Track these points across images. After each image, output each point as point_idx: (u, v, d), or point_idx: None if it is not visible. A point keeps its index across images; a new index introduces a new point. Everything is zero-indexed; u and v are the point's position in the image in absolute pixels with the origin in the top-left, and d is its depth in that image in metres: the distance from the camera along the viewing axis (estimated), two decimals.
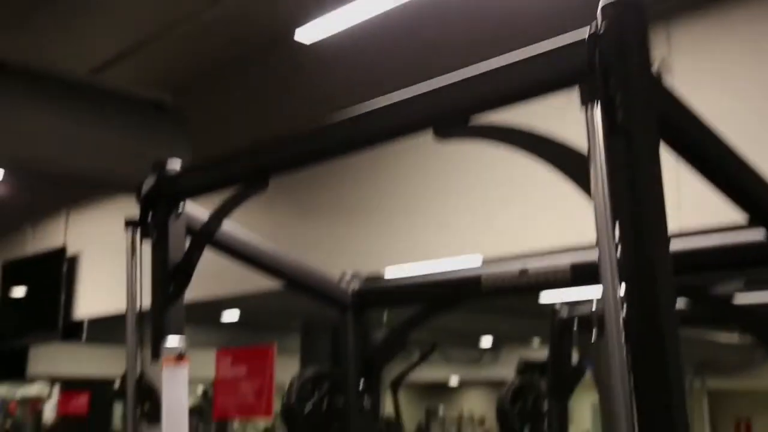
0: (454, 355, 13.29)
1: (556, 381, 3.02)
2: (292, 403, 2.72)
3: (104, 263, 5.43)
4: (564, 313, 3.06)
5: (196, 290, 2.47)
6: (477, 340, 12.52)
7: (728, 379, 11.82)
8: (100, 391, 12.26)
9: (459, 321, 10.13)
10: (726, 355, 10.10)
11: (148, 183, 2.33)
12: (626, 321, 1.33)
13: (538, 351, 11.31)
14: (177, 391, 2.22)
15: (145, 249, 2.37)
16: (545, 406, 3.21)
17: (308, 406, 2.71)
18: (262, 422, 17.07)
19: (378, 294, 2.60)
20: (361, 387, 2.59)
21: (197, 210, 2.34)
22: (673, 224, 1.47)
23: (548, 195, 3.00)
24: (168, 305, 2.28)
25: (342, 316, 2.65)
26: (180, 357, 2.24)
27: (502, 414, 3.38)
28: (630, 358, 1.32)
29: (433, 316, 2.49)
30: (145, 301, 2.39)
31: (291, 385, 2.77)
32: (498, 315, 9.90)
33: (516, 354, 11.24)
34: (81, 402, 12.46)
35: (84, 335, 5.78)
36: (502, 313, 9.81)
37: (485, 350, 13.41)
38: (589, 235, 1.47)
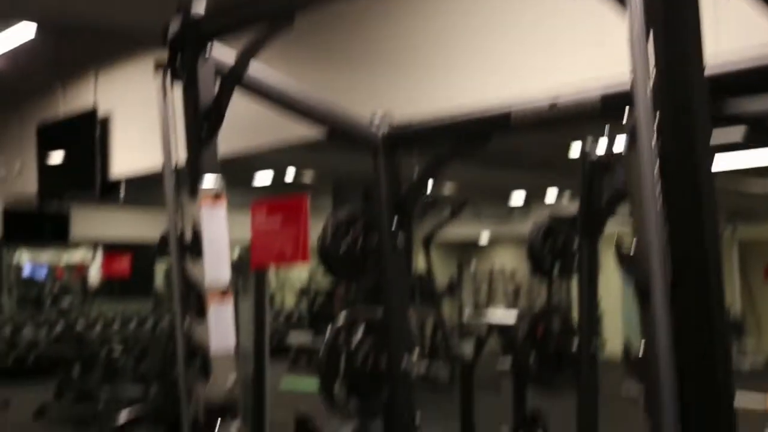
0: (484, 212, 13.44)
1: (586, 218, 3.05)
2: (328, 243, 2.79)
3: (136, 122, 5.48)
4: (594, 154, 3.06)
5: (228, 144, 2.49)
6: (507, 197, 12.59)
7: (759, 227, 11.86)
8: (140, 252, 12.67)
9: (490, 178, 10.16)
10: (757, 204, 10.08)
11: (174, 26, 2.32)
12: (659, 130, 1.33)
13: (569, 206, 11.38)
14: (216, 228, 2.30)
15: (177, 101, 2.38)
16: (575, 244, 3.26)
17: (343, 246, 2.79)
18: (297, 281, 17.61)
19: (408, 134, 2.60)
20: (393, 226, 2.64)
21: (225, 52, 2.34)
22: (710, 42, 1.44)
23: (578, 26, 2.93)
24: (202, 147, 2.32)
25: (373, 157, 2.68)
26: (217, 196, 2.30)
27: (533, 252, 3.46)
28: (661, 168, 1.33)
29: (464, 154, 2.50)
30: (179, 153, 2.43)
31: (325, 226, 2.85)
32: (529, 171, 9.90)
33: (546, 211, 11.32)
34: (123, 264, 12.91)
35: (122, 195, 5.90)
36: (532, 169, 9.80)
37: (516, 207, 13.53)
38: (621, 65, 1.45)
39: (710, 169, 1.40)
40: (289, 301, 16.98)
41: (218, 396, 2.37)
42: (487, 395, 8.60)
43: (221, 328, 2.33)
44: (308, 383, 10.20)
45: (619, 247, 1.33)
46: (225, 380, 2.36)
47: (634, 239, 1.35)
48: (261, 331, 7.68)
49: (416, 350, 2.78)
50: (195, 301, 2.36)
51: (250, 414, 7.32)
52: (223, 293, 2.34)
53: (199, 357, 2.38)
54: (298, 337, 12.88)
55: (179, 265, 2.41)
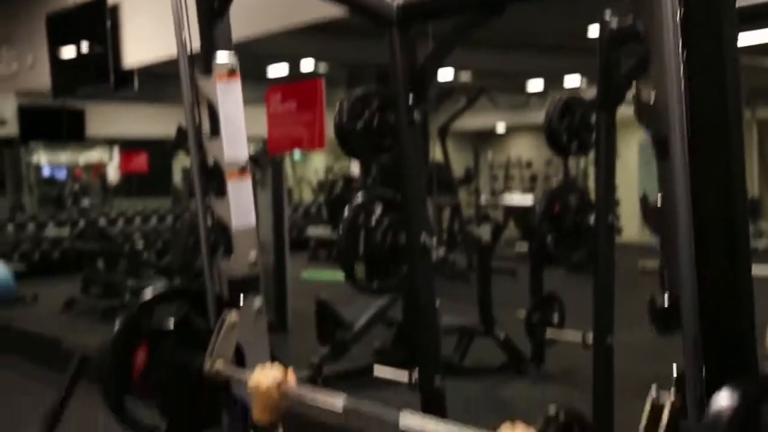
0: (501, 100, 13.30)
1: (604, 92, 3.01)
2: (344, 122, 2.79)
3: (145, 9, 5.39)
4: (614, 24, 2.99)
5: (240, 30, 2.45)
6: (524, 84, 12.44)
7: None
8: (157, 150, 12.73)
9: (506, 64, 10.00)
10: None
11: None
12: None
13: (586, 91, 11.22)
14: (232, 104, 2.29)
15: None
16: (593, 119, 3.23)
17: (360, 124, 2.78)
18: (314, 176, 17.69)
19: (423, 5, 2.55)
20: (410, 101, 2.62)
21: None
22: None
23: None
24: (214, 22, 2.29)
25: (388, 32, 2.63)
26: (231, 72, 2.29)
27: (550, 130, 3.45)
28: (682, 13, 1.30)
29: (480, 24, 2.45)
30: (192, 35, 2.39)
31: (341, 104, 2.84)
32: (545, 56, 9.73)
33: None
34: (141, 160, 13.01)
35: (135, 86, 5.87)
36: (549, 54, 9.63)
37: (532, 94, 13.36)
38: None
39: (734, 17, 1.37)
40: (307, 196, 17.10)
41: (240, 271, 2.42)
42: (505, 281, 8.77)
43: (241, 205, 2.36)
44: (327, 274, 10.38)
45: (638, 98, 1.31)
46: (246, 255, 2.41)
47: (654, 90, 1.34)
48: (280, 222, 7.79)
49: (434, 237, 2.80)
50: (214, 179, 2.39)
51: (273, 303, 7.52)
52: (242, 171, 2.35)
53: (220, 234, 2.43)
54: (317, 231, 13.06)
55: (197, 146, 2.42)
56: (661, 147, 1.35)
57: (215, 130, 2.30)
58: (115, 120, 12.68)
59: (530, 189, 15.37)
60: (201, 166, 2.42)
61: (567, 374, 5.35)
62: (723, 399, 1.19)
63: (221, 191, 2.37)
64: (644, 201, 1.34)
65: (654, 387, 1.38)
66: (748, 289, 1.39)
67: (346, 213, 2.90)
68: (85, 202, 14.82)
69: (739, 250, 1.36)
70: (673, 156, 1.32)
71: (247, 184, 2.36)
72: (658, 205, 1.35)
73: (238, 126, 2.31)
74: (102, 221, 12.24)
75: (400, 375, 2.80)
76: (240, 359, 2.41)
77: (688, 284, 1.32)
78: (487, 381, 5.40)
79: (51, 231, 11.99)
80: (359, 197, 2.99)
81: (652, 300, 1.36)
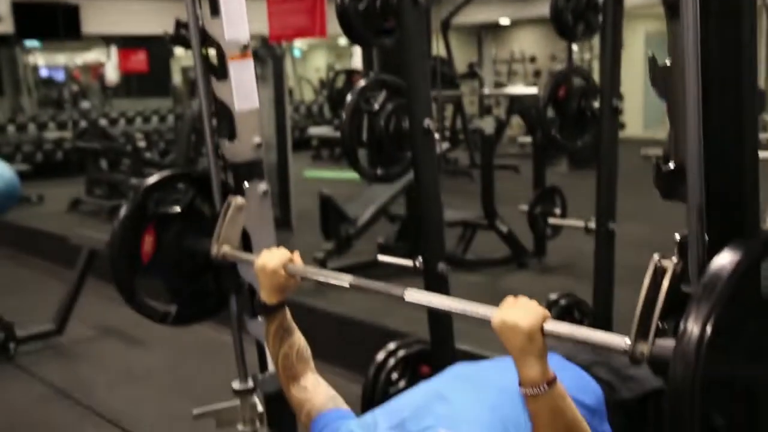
0: None
1: None
2: (346, 3, 2.73)
3: None
4: None
5: None
6: None
7: None
8: (155, 49, 12.51)
9: None
10: None
11: None
12: None
13: None
14: None
15: None
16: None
17: (362, 5, 2.72)
18: (315, 76, 17.45)
19: None
20: None
21: None
22: None
23: None
24: None
25: None
26: None
27: (556, 11, 3.37)
28: None
29: None
30: None
31: None
32: None
33: None
34: (140, 58, 12.83)
35: None
36: None
37: None
38: None
39: None
40: (308, 96, 16.91)
41: (244, 155, 2.42)
42: (508, 177, 8.78)
43: (243, 87, 2.34)
44: (330, 173, 10.35)
45: None
46: (250, 139, 2.40)
47: None
48: (282, 119, 7.73)
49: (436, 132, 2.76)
50: (216, 61, 2.35)
51: (276, 201, 7.54)
52: (243, 51, 2.32)
53: (223, 118, 2.41)
54: (319, 130, 12.98)
55: (197, 29, 2.37)
56: (672, 7, 1.32)
57: (215, 9, 2.25)
58: (111, 16, 12.41)
59: (534, 84, 15.16)
60: (202, 51, 2.38)
61: (568, 267, 5.42)
62: (724, 257, 1.20)
63: (223, 74, 2.34)
64: (653, 62, 1.32)
65: (656, 254, 1.39)
66: (753, 153, 1.39)
67: (348, 98, 2.87)
68: (85, 103, 14.69)
69: (746, 113, 1.35)
70: (684, 15, 1.29)
71: (249, 65, 2.33)
72: (668, 65, 1.33)
73: (238, 4, 2.26)
74: (103, 122, 12.17)
75: (404, 261, 2.83)
76: (246, 244, 2.44)
77: (694, 147, 1.31)
78: (489, 273, 5.47)
79: (52, 133, 11.94)
80: (362, 82, 2.96)
81: (657, 165, 1.36)
